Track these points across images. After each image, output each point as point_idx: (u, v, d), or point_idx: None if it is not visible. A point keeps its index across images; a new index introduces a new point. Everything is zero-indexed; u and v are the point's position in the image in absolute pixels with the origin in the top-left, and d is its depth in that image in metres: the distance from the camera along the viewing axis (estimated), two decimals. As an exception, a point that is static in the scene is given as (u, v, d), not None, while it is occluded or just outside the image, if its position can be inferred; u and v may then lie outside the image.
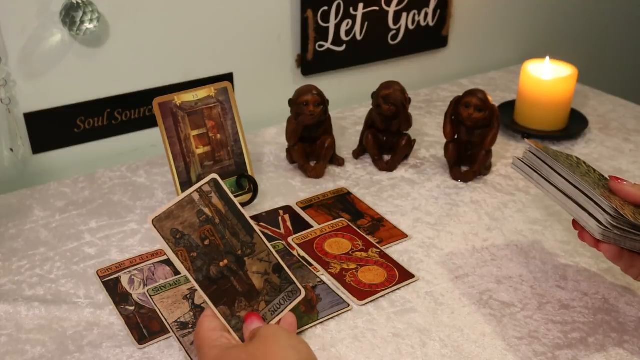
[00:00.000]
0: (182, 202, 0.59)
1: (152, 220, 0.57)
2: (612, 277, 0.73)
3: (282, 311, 0.60)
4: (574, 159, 0.70)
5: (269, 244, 0.62)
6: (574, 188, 0.64)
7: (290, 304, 0.61)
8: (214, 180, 0.61)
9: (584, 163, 0.70)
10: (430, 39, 1.21)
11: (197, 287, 0.57)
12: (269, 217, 0.83)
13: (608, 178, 0.66)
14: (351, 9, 1.08)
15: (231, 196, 0.61)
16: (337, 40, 1.10)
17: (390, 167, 0.94)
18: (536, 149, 0.68)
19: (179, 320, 0.66)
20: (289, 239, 0.79)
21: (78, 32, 0.86)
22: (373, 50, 1.15)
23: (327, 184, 0.91)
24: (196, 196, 0.60)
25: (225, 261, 0.59)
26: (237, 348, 0.54)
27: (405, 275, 0.73)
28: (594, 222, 0.61)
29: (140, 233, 0.80)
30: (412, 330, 0.66)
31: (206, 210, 0.60)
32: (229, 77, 1.04)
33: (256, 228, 0.61)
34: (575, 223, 0.65)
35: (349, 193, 0.89)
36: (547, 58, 1.05)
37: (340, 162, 0.96)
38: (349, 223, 0.82)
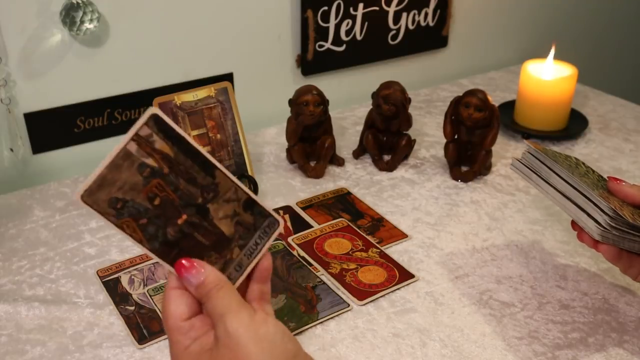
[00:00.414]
0: (116, 160, 0.46)
1: (82, 197, 0.45)
2: (612, 277, 0.73)
3: (259, 251, 0.51)
4: (573, 159, 0.70)
5: (235, 179, 0.50)
6: (573, 189, 0.64)
7: (268, 240, 0.51)
8: (154, 116, 0.46)
9: (583, 164, 0.70)
10: (430, 39, 1.21)
11: (154, 257, 0.47)
12: (269, 217, 0.83)
13: (607, 179, 0.66)
14: (351, 9, 1.08)
15: (180, 131, 0.47)
16: (337, 40, 1.10)
17: (390, 167, 0.94)
18: (535, 149, 0.68)
19: (179, 320, 0.66)
20: (289, 239, 0.79)
21: (78, 32, 0.86)
22: (373, 50, 1.15)
23: (327, 184, 0.91)
24: (133, 147, 0.46)
25: (184, 217, 0.48)
26: (204, 357, 0.46)
27: (405, 275, 0.73)
28: (592, 223, 0.61)
29: (140, 233, 0.80)
30: (412, 330, 0.66)
31: (149, 161, 0.46)
32: (229, 77, 1.04)
33: (217, 164, 0.49)
34: (574, 224, 0.65)
35: (349, 193, 0.89)
36: (552, 51, 1.04)
37: (340, 162, 0.96)
38: (349, 223, 0.82)
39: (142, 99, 0.97)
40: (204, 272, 0.47)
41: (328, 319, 0.67)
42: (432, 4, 1.17)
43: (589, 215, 0.62)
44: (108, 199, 0.45)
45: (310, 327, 0.66)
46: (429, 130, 1.06)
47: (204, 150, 0.49)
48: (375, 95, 0.92)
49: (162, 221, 0.47)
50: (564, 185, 0.65)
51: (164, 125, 0.47)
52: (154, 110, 0.46)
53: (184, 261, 0.48)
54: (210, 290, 0.47)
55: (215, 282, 0.47)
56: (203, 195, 0.48)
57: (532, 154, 0.68)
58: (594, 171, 0.69)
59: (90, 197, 0.45)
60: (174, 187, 0.47)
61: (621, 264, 0.64)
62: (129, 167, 0.46)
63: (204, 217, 0.48)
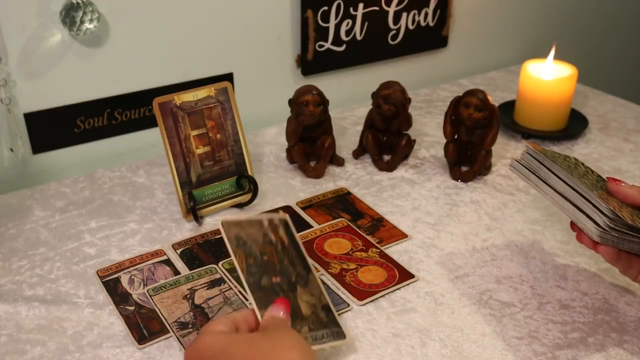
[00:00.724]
0: (252, 220, 0.64)
1: (222, 222, 0.61)
2: (612, 277, 0.73)
3: (322, 343, 0.59)
4: (572, 160, 0.70)
5: (322, 286, 0.64)
6: (572, 190, 0.64)
7: (331, 341, 0.59)
8: (284, 221, 0.67)
9: (582, 164, 0.70)
10: (430, 39, 1.21)
11: (246, 287, 0.58)
12: (269, 217, 0.83)
13: (606, 179, 0.66)
14: (351, 9, 1.08)
15: (297, 237, 0.66)
16: (337, 40, 1.10)
17: (390, 167, 0.94)
18: (534, 150, 0.68)
19: (178, 320, 0.66)
20: (289, 239, 0.79)
21: (78, 32, 0.86)
22: (373, 50, 1.15)
23: (327, 184, 0.91)
24: (265, 222, 0.65)
25: (279, 279, 0.60)
26: (245, 339, 0.53)
27: (405, 275, 0.73)
28: (591, 224, 0.61)
29: (140, 233, 0.80)
30: (412, 330, 0.66)
31: (271, 235, 0.64)
32: (229, 77, 1.04)
33: (314, 270, 0.64)
34: (573, 225, 0.65)
35: (349, 193, 0.89)
36: (552, 52, 1.05)
37: (340, 162, 0.96)
38: (349, 223, 0.82)
39: (142, 99, 0.97)
40: (288, 314, 0.57)
41: (328, 319, 0.67)
42: (432, 4, 1.17)
43: (588, 216, 0.61)
44: (236, 234, 0.61)
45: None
46: (429, 130, 1.06)
47: (306, 255, 0.65)
48: (375, 95, 0.92)
49: (262, 270, 0.60)
50: (562, 186, 0.64)
51: (288, 227, 0.66)
52: (286, 217, 0.67)
53: (284, 300, 0.58)
54: (279, 321, 0.56)
55: (286, 321, 0.56)
56: (296, 278, 0.62)
57: (530, 155, 0.68)
58: (593, 171, 0.69)
59: (228, 225, 0.61)
60: (280, 259, 0.62)
61: (620, 265, 0.64)
62: (258, 230, 0.63)
63: (292, 290, 0.60)
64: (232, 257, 0.60)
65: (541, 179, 0.67)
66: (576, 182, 0.63)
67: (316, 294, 0.61)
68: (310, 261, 0.65)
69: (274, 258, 0.62)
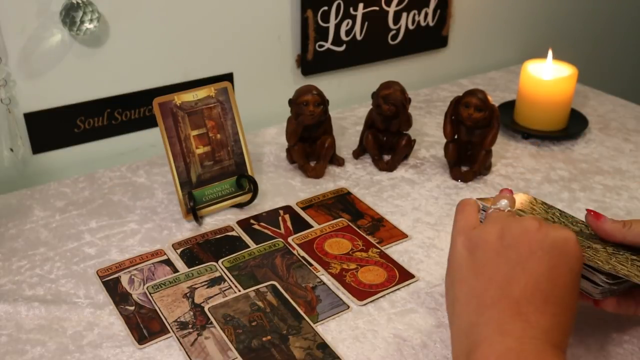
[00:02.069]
0: (238, 297, 0.68)
1: (209, 309, 0.67)
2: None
3: None
4: (557, 212, 0.67)
5: (315, 328, 0.65)
6: None
7: None
8: (273, 286, 0.70)
9: (567, 215, 0.67)
10: (430, 39, 1.21)
11: (236, 354, 0.62)
12: (269, 217, 0.83)
13: (586, 211, 0.62)
14: (351, 9, 1.08)
15: (287, 296, 0.69)
16: (337, 40, 1.10)
17: (390, 167, 0.94)
18: (519, 211, 0.63)
19: (178, 320, 0.66)
20: (289, 239, 0.79)
21: (78, 32, 0.86)
22: (373, 50, 1.15)
23: (327, 184, 0.91)
24: (252, 294, 0.69)
25: (269, 337, 0.63)
26: (494, 247, 0.52)
27: (405, 276, 0.73)
28: (589, 285, 0.57)
29: (140, 233, 0.80)
30: (412, 330, 0.66)
31: (259, 303, 0.68)
32: (229, 77, 1.04)
33: (306, 317, 0.66)
34: None
35: (349, 193, 0.89)
36: (550, 53, 1.05)
37: (340, 162, 0.96)
38: (349, 223, 0.82)
39: (142, 99, 0.97)
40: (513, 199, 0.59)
41: (328, 319, 0.67)
42: (432, 4, 1.17)
43: (583, 276, 0.57)
44: (223, 313, 0.66)
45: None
46: (429, 130, 1.06)
47: (297, 306, 0.68)
48: (375, 95, 0.92)
49: (251, 335, 0.64)
50: None
51: (278, 291, 0.69)
52: (274, 283, 0.70)
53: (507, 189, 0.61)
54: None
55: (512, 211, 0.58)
56: (288, 330, 0.64)
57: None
58: (577, 220, 0.66)
59: (214, 309, 0.67)
60: (269, 320, 0.65)
61: (622, 310, 0.60)
62: (245, 303, 0.68)
63: (283, 342, 0.63)
64: (221, 334, 0.64)
65: None
66: None
67: (310, 337, 0.64)
68: (302, 313, 0.66)
69: (262, 321, 0.65)
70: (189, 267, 0.74)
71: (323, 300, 0.69)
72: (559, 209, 0.68)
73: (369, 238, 0.79)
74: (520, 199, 0.68)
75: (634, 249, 0.61)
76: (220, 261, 0.74)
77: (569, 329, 0.50)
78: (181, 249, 0.77)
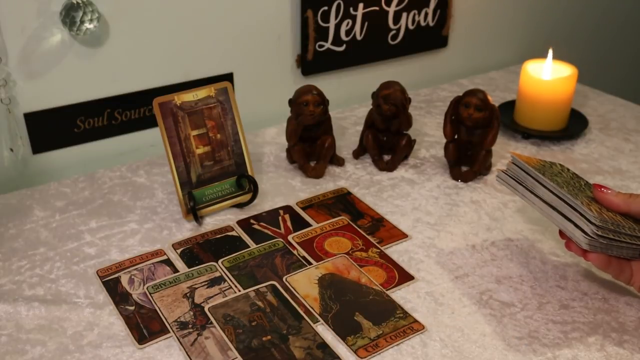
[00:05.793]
0: (238, 297, 0.68)
1: (209, 309, 0.66)
2: (612, 277, 0.73)
3: None
4: (558, 166, 0.70)
5: (315, 328, 0.65)
6: (558, 199, 0.63)
7: None
8: (273, 285, 0.70)
9: (568, 170, 0.70)
10: (430, 39, 1.21)
11: (236, 354, 0.62)
12: (269, 217, 0.83)
13: (592, 185, 0.66)
14: (351, 9, 1.08)
15: (286, 296, 0.68)
16: (337, 40, 1.10)
17: (390, 167, 0.94)
18: (519, 160, 0.67)
19: (178, 320, 0.66)
20: (289, 238, 0.79)
21: (78, 32, 0.86)
22: (373, 50, 1.15)
23: (327, 184, 0.91)
24: (252, 294, 0.68)
25: (269, 337, 0.63)
26: None
27: (404, 277, 0.73)
28: (579, 233, 0.61)
29: (140, 233, 0.80)
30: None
31: (259, 303, 0.68)
32: (229, 77, 1.04)
33: (305, 317, 0.66)
34: (561, 233, 0.65)
35: (349, 193, 0.89)
36: (550, 53, 1.05)
37: (340, 162, 0.96)
38: (349, 221, 0.82)
39: (142, 99, 0.97)
40: None
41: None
42: (432, 4, 1.17)
43: (575, 225, 0.61)
44: (223, 314, 0.66)
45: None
46: (429, 130, 1.06)
47: (297, 306, 0.67)
48: (375, 95, 0.92)
49: (251, 335, 0.64)
50: (549, 195, 0.64)
51: (277, 291, 0.69)
52: (273, 283, 0.70)
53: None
54: None
55: None
56: (288, 329, 0.64)
57: (516, 165, 0.68)
58: (579, 177, 0.69)
59: (214, 309, 0.66)
60: (269, 319, 0.65)
61: (612, 271, 0.64)
62: (245, 303, 0.67)
63: (283, 342, 0.63)
64: (222, 334, 0.64)
65: (528, 189, 0.66)
66: (562, 192, 0.63)
67: (310, 337, 0.64)
68: (302, 313, 0.66)
69: (262, 321, 0.65)
70: (189, 267, 0.74)
71: (323, 300, 0.69)
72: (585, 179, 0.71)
73: (369, 238, 0.79)
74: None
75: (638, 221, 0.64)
76: (220, 261, 0.74)
77: None
78: (181, 249, 0.77)
